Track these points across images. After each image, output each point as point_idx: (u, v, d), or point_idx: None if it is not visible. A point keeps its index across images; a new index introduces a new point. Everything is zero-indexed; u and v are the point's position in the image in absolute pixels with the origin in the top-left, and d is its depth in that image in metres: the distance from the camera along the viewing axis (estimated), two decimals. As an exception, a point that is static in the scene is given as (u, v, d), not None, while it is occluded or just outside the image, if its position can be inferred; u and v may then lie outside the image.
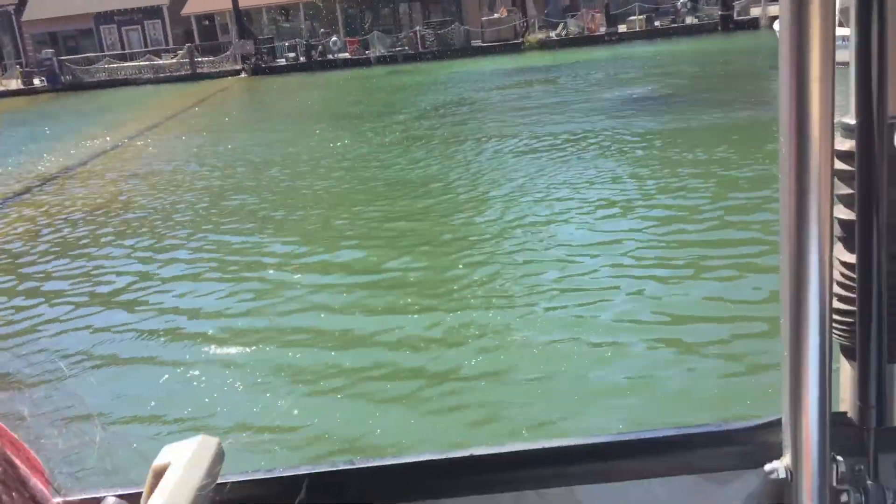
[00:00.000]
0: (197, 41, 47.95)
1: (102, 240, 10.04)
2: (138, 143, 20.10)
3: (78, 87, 42.59)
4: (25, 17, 53.56)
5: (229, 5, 44.98)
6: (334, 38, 43.37)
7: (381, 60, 40.01)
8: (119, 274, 8.46)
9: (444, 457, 1.05)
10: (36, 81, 44.17)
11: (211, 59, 43.78)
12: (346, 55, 41.61)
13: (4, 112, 34.09)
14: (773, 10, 31.51)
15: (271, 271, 8.01)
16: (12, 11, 53.91)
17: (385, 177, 12.61)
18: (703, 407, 4.64)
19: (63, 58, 45.50)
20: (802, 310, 0.90)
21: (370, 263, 7.90)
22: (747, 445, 1.04)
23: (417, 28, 42.77)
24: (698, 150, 11.83)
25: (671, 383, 4.99)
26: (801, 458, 0.96)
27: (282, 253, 8.73)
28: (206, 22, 51.29)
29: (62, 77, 43.63)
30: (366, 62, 40.22)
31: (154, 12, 51.63)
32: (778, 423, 1.00)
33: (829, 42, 0.83)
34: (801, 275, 0.90)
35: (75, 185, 14.37)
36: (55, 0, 53.16)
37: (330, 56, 41.69)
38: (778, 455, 1.00)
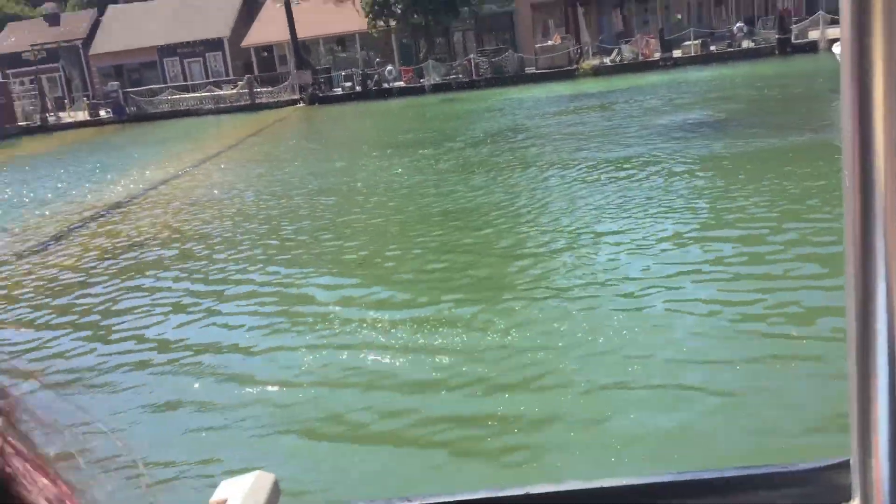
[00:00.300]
0: (256, 72, 49.17)
1: (161, 273, 10.21)
2: (199, 172, 20.61)
3: (142, 118, 43.98)
4: (93, 50, 55.68)
5: (288, 37, 46.05)
6: (389, 67, 44.00)
7: (436, 88, 40.40)
8: (174, 308, 8.57)
9: (497, 494, 1.04)
10: (102, 113, 45.76)
11: (269, 89, 44.82)
12: (402, 83, 42.16)
13: (73, 143, 35.36)
14: (833, 32, 30.94)
15: (323, 305, 8.01)
16: (80, 46, 56.10)
17: (442, 206, 12.66)
18: (768, 448, 4.51)
19: (128, 90, 47.08)
20: (870, 344, 0.87)
21: (426, 298, 7.83)
22: (814, 487, 1.01)
23: (471, 56, 43.13)
24: (759, 176, 11.62)
25: (733, 425, 4.85)
26: (872, 502, 0.93)
27: (335, 285, 8.76)
28: (265, 53, 52.56)
29: (127, 108, 45.12)
30: (420, 90, 40.67)
31: (215, 44, 53.15)
32: (846, 464, 0.97)
33: (893, 64, 0.80)
34: (868, 307, 0.86)
35: (139, 214, 14.77)
36: (121, 34, 55.20)
37: (385, 85, 42.27)
38: (847, 498, 0.97)
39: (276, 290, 8.71)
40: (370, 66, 46.56)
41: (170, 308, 8.54)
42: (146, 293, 9.22)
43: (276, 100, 43.24)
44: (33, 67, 55.16)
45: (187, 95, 46.74)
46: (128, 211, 15.25)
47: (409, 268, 9.08)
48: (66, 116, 47.44)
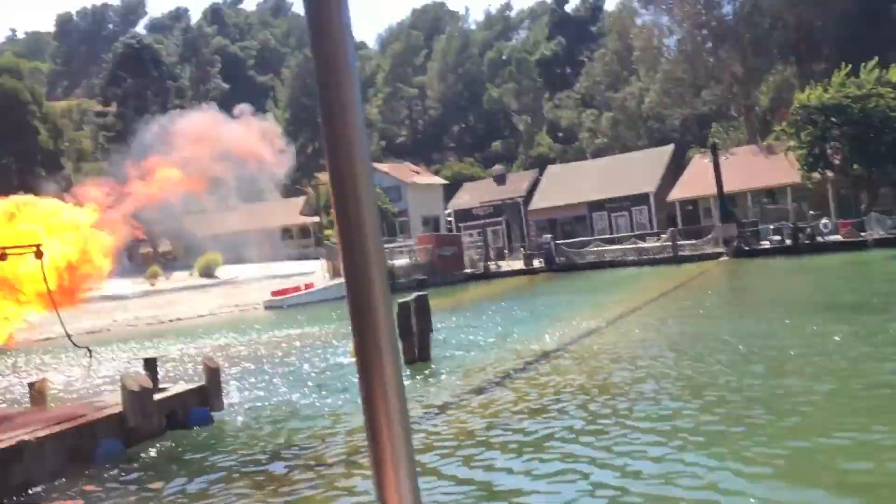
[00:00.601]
0: (679, 225, 49.68)
1: (575, 436, 10.24)
2: (621, 325, 20.98)
3: (569, 267, 46.86)
4: (531, 206, 61.78)
5: (713, 190, 45.91)
6: (825, 220, 41.16)
7: (880, 243, 36.50)
8: (581, 476, 8.54)
9: None
10: (535, 262, 49.85)
11: (692, 242, 44.83)
12: (838, 238, 39.01)
13: (509, 290, 38.88)
14: None
15: (743, 497, 7.25)
16: (521, 202, 62.68)
17: (892, 386, 11.03)
18: None
19: (559, 241, 50.82)
20: None
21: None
22: None
23: (926, 207, 38.42)
24: None
25: None
26: None
27: (761, 475, 7.88)
28: (690, 207, 52.99)
29: (557, 259, 48.51)
30: (861, 245, 37.13)
31: (641, 199, 55.28)
32: None
33: None
34: None
35: (564, 366, 15.37)
36: (556, 191, 60.50)
37: (819, 239, 39.50)
38: None
39: (690, 472, 8.14)
40: (802, 218, 44.05)
41: (578, 477, 8.48)
42: (564, 457, 9.33)
43: (698, 253, 42.97)
44: (481, 221, 62.82)
45: (612, 247, 48.87)
46: (556, 363, 15.96)
47: (858, 468, 7.80)
48: (504, 265, 52.57)
